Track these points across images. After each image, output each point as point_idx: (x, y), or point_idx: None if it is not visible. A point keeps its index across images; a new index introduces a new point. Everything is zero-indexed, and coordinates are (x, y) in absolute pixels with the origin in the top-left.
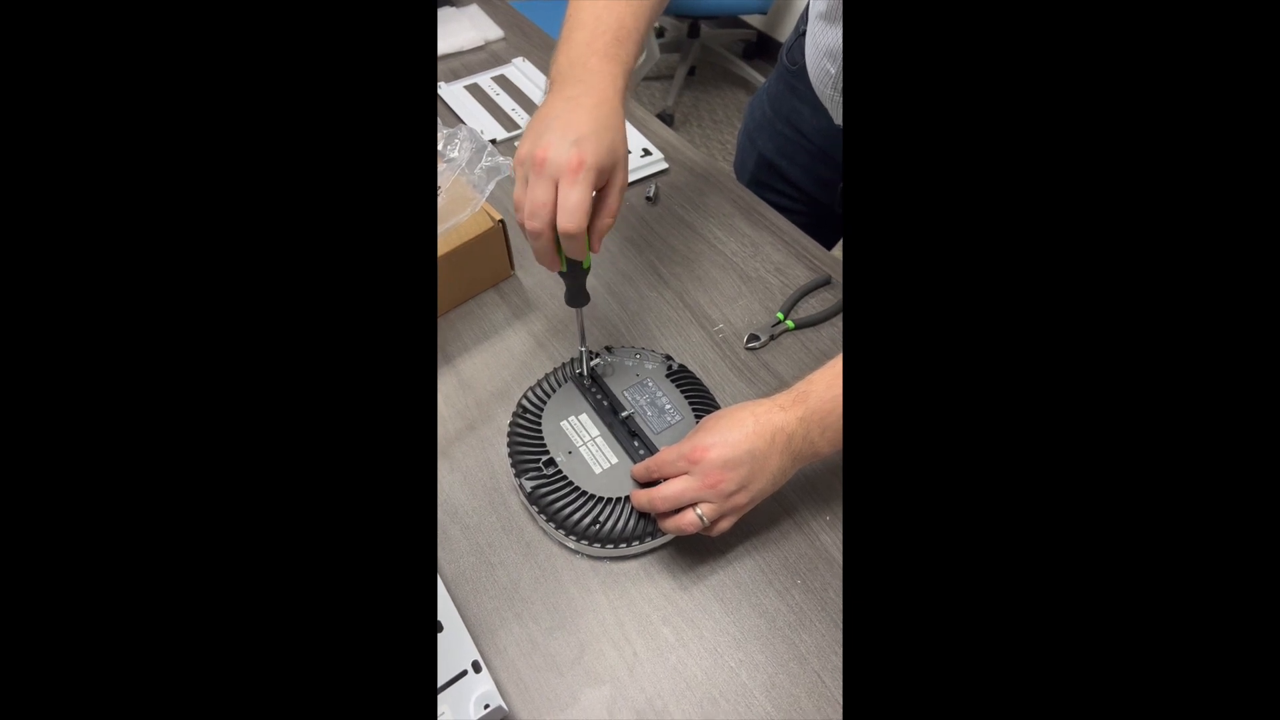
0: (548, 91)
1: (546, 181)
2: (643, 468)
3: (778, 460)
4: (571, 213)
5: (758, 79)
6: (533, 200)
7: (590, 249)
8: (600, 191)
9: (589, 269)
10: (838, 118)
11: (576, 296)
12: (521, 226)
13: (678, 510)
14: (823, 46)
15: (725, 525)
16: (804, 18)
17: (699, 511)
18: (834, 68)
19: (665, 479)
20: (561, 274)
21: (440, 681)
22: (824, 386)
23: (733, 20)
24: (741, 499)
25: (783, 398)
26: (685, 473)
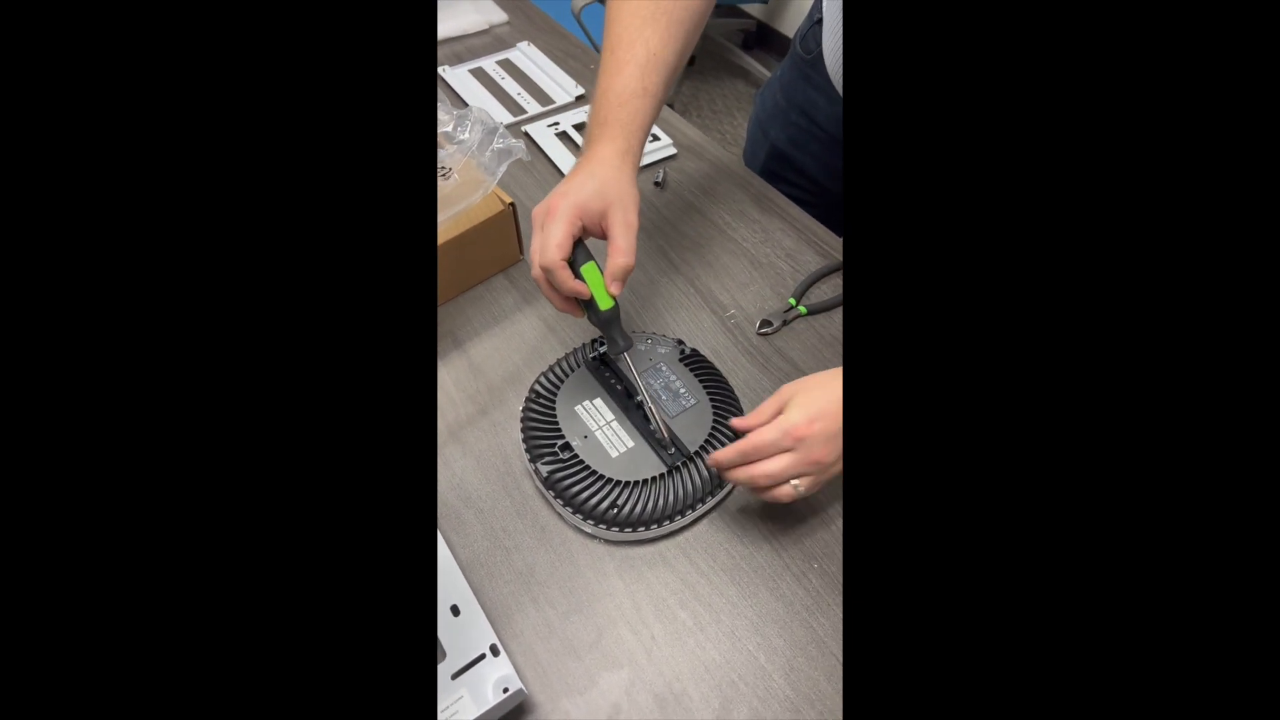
0: None
1: (536, 232)
2: (736, 453)
3: None
4: (542, 248)
5: (758, 68)
6: (530, 251)
7: (609, 291)
8: (607, 234)
9: (611, 311)
10: None
11: (612, 342)
12: None
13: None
14: (842, 37)
15: (815, 490)
16: (818, 5)
17: (796, 484)
18: None
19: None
20: (594, 323)
21: (458, 665)
22: None
23: (732, 10)
24: (839, 468)
25: None
26: (787, 449)
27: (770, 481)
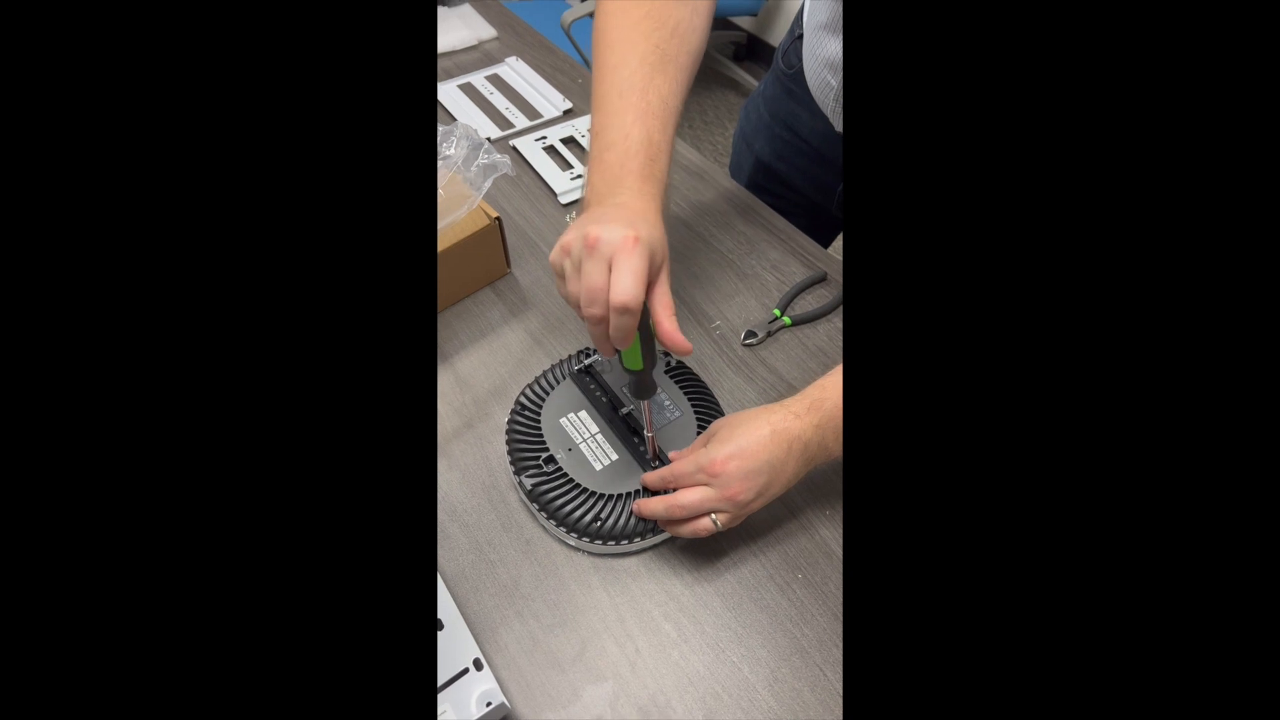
0: (583, 210)
1: (600, 263)
2: (657, 477)
3: (794, 467)
4: (628, 285)
5: (748, 80)
6: (589, 285)
7: (678, 349)
8: (650, 289)
9: (648, 367)
10: (838, 125)
11: (641, 388)
12: (581, 316)
13: (693, 516)
14: (822, 57)
15: (734, 525)
16: (799, 20)
17: (714, 518)
18: (835, 80)
19: (681, 489)
20: (625, 368)
21: (441, 680)
22: (839, 393)
23: (723, 22)
24: (757, 505)
25: (796, 404)
26: (704, 484)
27: (686, 513)
